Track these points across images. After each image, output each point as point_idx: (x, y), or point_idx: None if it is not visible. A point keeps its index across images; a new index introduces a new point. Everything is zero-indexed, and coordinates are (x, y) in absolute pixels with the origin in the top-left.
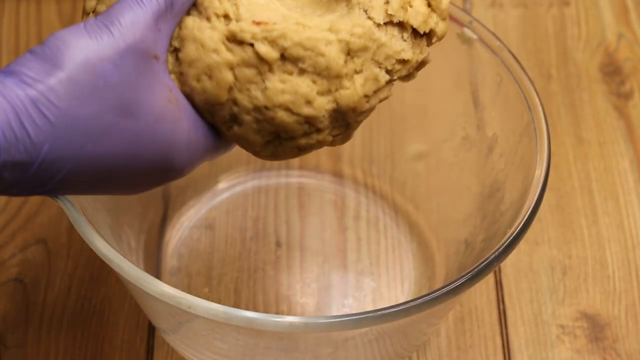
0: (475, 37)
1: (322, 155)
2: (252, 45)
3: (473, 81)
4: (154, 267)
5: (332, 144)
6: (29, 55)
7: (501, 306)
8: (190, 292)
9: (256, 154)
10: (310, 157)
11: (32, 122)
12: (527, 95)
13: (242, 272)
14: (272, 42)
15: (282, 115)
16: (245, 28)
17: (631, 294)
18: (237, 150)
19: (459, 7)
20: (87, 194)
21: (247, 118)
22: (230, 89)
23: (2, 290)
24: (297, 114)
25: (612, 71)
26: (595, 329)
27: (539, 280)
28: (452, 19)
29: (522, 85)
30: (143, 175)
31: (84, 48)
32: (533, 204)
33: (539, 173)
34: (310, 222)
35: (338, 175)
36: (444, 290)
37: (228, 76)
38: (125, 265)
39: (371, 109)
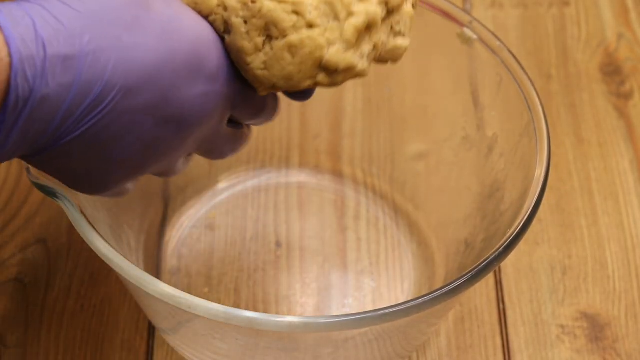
0: (475, 37)
1: (322, 155)
2: None
3: (473, 81)
4: (154, 267)
5: (328, 59)
6: None
7: (501, 306)
8: (190, 292)
9: (249, 69)
10: (310, 157)
11: (62, 14)
12: (527, 95)
13: (242, 272)
14: None
15: (268, 4)
16: None
17: (631, 294)
18: None
19: (459, 7)
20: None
21: (236, 21)
22: None
23: (2, 290)
24: (283, 2)
25: (612, 71)
26: (595, 329)
27: (539, 280)
28: (452, 19)
29: (522, 85)
30: (184, 79)
31: None
32: (533, 204)
33: (539, 173)
34: (310, 222)
35: (338, 175)
36: (444, 290)
37: None
38: (125, 265)
39: (359, 17)
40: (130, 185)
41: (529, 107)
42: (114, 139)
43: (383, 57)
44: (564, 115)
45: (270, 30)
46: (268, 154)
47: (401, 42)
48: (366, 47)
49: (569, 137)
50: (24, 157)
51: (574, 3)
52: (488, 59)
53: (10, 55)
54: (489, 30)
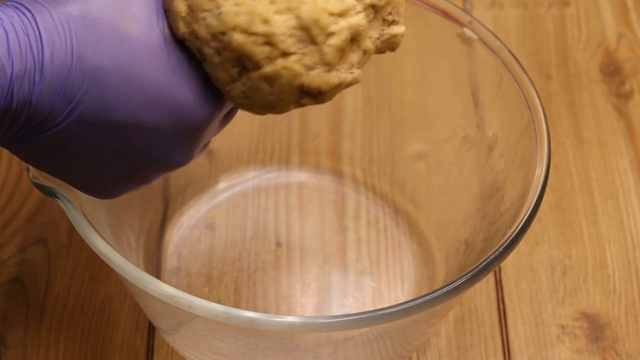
0: (475, 37)
1: (322, 155)
2: None
3: (473, 81)
4: (154, 267)
5: (308, 84)
6: None
7: (501, 306)
8: (190, 292)
9: (229, 97)
10: (310, 157)
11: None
12: (527, 95)
13: (242, 272)
14: None
15: (237, 37)
16: None
17: (631, 294)
18: (237, 150)
19: (459, 7)
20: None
21: (208, 51)
22: (186, 21)
23: (2, 290)
24: (254, 34)
25: (612, 71)
26: (595, 329)
27: (539, 280)
28: (452, 19)
29: (522, 85)
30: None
31: None
32: (533, 204)
33: (539, 173)
34: (310, 222)
35: (338, 175)
36: (444, 290)
37: (180, 6)
38: (125, 265)
39: (340, 36)
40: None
41: (529, 107)
42: (86, 146)
43: (380, 49)
44: (564, 115)
45: (244, 62)
46: (268, 154)
47: (397, 29)
48: (354, 57)
49: (569, 137)
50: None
51: (574, 3)
52: (488, 59)
53: None
54: (489, 30)
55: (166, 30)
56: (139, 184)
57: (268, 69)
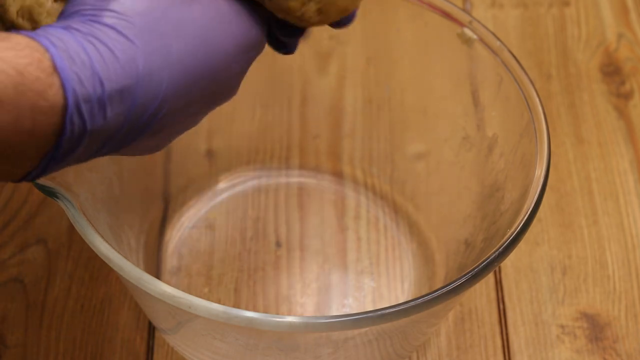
0: (475, 37)
1: (322, 155)
2: None
3: (473, 81)
4: (154, 267)
5: None
6: None
7: (501, 306)
8: (190, 292)
9: (302, 19)
10: (310, 157)
11: (114, 42)
12: (527, 95)
13: (242, 272)
14: None
15: None
16: None
17: (631, 294)
18: (237, 150)
19: (459, 7)
20: (193, 113)
21: None
22: None
23: (2, 290)
24: None
25: (612, 71)
26: (595, 329)
27: (539, 280)
28: (452, 19)
29: (522, 85)
30: (233, 55)
31: None
32: (533, 204)
33: (539, 173)
34: (310, 222)
35: (338, 175)
36: (444, 290)
37: None
38: (125, 265)
39: None
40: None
41: (529, 107)
42: (175, 124)
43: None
44: (564, 115)
45: None
46: (268, 154)
47: None
48: None
49: (569, 137)
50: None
51: (574, 3)
52: (488, 59)
53: (65, 97)
54: (489, 30)
55: None
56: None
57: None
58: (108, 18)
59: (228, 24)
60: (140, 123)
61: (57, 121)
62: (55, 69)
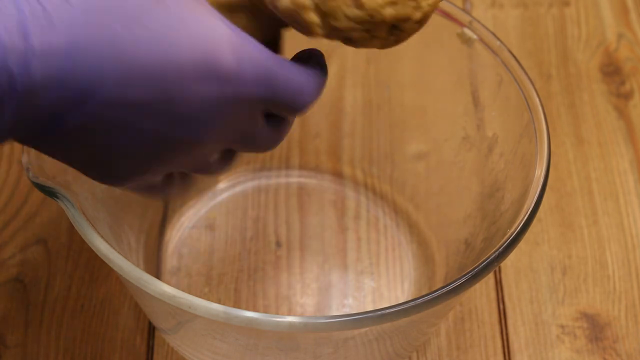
0: (475, 37)
1: (322, 155)
2: None
3: (473, 81)
4: (154, 267)
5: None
6: None
7: (501, 306)
8: (190, 292)
9: (373, 44)
10: (310, 157)
11: (53, 4)
12: (527, 95)
13: (242, 272)
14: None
15: (389, 11)
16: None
17: (631, 294)
18: None
19: (459, 7)
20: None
21: (356, 34)
22: (321, 24)
23: (2, 290)
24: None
25: (612, 71)
26: (595, 329)
27: (539, 280)
28: (452, 19)
29: (522, 85)
30: (191, 80)
31: None
32: (533, 204)
33: (539, 173)
34: (310, 222)
35: (338, 175)
36: (444, 290)
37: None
38: (125, 265)
39: None
40: (156, 178)
41: (529, 107)
42: (111, 131)
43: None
44: (564, 115)
45: (398, 24)
46: (268, 154)
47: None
48: None
49: (569, 137)
50: (20, 141)
51: (574, 3)
52: (488, 59)
53: None
54: (489, 30)
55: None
56: (156, 170)
57: (418, 15)
58: None
59: (192, 35)
60: (73, 99)
61: None
62: None
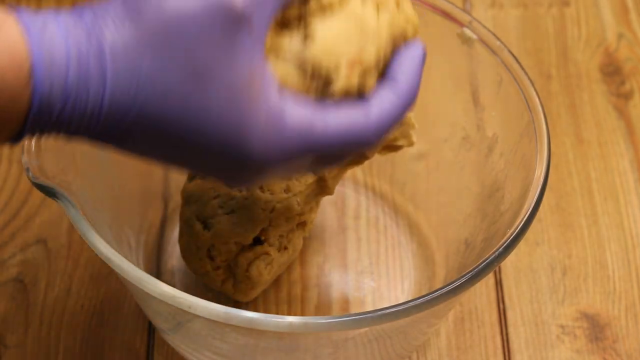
0: (475, 37)
1: None
2: None
3: (473, 81)
4: (154, 267)
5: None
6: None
7: (501, 306)
8: (190, 292)
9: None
10: None
11: (97, 58)
12: (527, 95)
13: None
14: (365, 70)
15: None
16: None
17: (631, 294)
18: None
19: (459, 7)
20: (159, 159)
21: None
22: None
23: (2, 290)
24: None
25: (612, 71)
26: (595, 329)
27: (539, 280)
28: (452, 19)
29: (522, 85)
30: (213, 156)
31: None
32: (533, 204)
33: (539, 173)
34: None
35: None
36: (444, 290)
37: None
38: (125, 265)
39: None
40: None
41: (529, 107)
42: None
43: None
44: (564, 115)
45: None
46: None
47: None
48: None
49: (569, 137)
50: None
51: (574, 3)
52: (488, 59)
53: (31, 101)
54: (489, 30)
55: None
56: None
57: None
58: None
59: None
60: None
61: (22, 119)
62: (32, 76)
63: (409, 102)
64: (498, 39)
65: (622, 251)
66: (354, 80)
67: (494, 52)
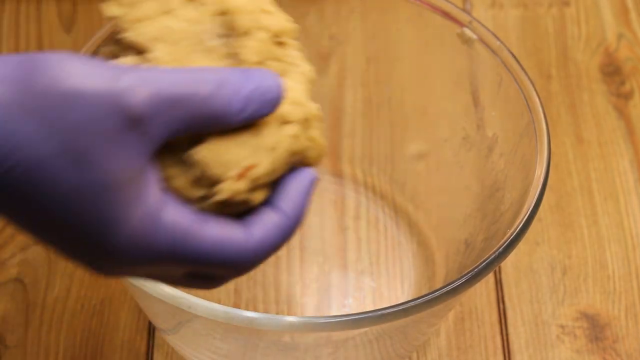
0: (475, 37)
1: None
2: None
3: (473, 81)
4: None
5: None
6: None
7: (501, 306)
8: (190, 292)
9: None
10: None
11: None
12: (527, 95)
13: None
14: (265, 182)
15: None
16: (231, 191)
17: (631, 294)
18: None
19: (459, 7)
20: (16, 221)
21: None
22: None
23: (2, 290)
24: None
25: (612, 71)
26: (595, 329)
27: (539, 280)
28: (452, 19)
29: (522, 85)
30: (75, 240)
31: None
32: (533, 204)
33: (539, 173)
34: (310, 222)
35: (338, 175)
36: (444, 290)
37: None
38: None
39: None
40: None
41: (529, 107)
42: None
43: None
44: (564, 115)
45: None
46: None
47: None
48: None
49: (569, 137)
50: None
51: (574, 3)
52: (488, 59)
53: None
54: (489, 30)
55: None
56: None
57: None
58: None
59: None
60: None
61: None
62: None
63: (293, 230)
64: (498, 39)
65: (622, 251)
66: (241, 191)
67: (494, 52)
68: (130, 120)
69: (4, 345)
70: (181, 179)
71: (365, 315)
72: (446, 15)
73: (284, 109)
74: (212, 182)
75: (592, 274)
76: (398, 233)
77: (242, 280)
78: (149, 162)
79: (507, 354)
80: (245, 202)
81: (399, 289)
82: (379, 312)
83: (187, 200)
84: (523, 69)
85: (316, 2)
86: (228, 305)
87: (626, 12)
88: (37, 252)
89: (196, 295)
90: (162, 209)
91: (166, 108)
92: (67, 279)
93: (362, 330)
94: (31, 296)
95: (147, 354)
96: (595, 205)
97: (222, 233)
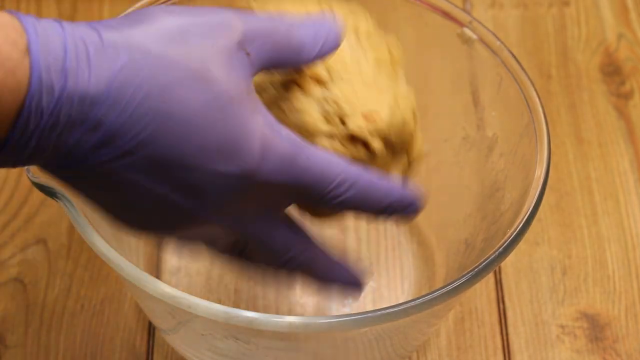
0: (475, 37)
1: None
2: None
3: (473, 81)
4: (154, 267)
5: None
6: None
7: (501, 306)
8: (190, 292)
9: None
10: None
11: (100, 53)
12: (527, 95)
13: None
14: (382, 136)
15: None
16: (357, 126)
17: (631, 294)
18: None
19: (459, 7)
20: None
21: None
22: None
23: (2, 290)
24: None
25: (612, 71)
26: (595, 329)
27: (539, 280)
28: (452, 19)
29: (522, 85)
30: (214, 159)
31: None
32: (533, 204)
33: (539, 173)
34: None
35: None
36: (444, 290)
37: None
38: (125, 265)
39: None
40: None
41: (529, 107)
42: (125, 187)
43: None
44: (564, 115)
45: None
46: None
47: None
48: None
49: (569, 137)
50: (44, 167)
51: (574, 3)
52: (488, 59)
53: (30, 80)
54: (489, 30)
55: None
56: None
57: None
58: (108, 31)
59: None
60: (87, 144)
61: (19, 101)
62: (29, 51)
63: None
64: (498, 39)
65: (622, 251)
66: (365, 129)
67: (494, 52)
68: (237, 43)
69: (4, 345)
70: (312, 114)
71: (365, 315)
72: (446, 15)
73: (402, 91)
74: (342, 116)
75: (592, 274)
76: (398, 233)
77: (242, 280)
78: (252, 86)
79: (507, 354)
80: (366, 144)
81: (399, 289)
82: (379, 312)
83: (313, 135)
84: (523, 69)
85: None
86: (228, 305)
87: (626, 12)
88: (37, 252)
89: (196, 296)
90: (276, 122)
91: (259, 35)
92: (67, 279)
93: (362, 330)
94: (31, 296)
95: (147, 354)
96: (595, 205)
97: (328, 153)
